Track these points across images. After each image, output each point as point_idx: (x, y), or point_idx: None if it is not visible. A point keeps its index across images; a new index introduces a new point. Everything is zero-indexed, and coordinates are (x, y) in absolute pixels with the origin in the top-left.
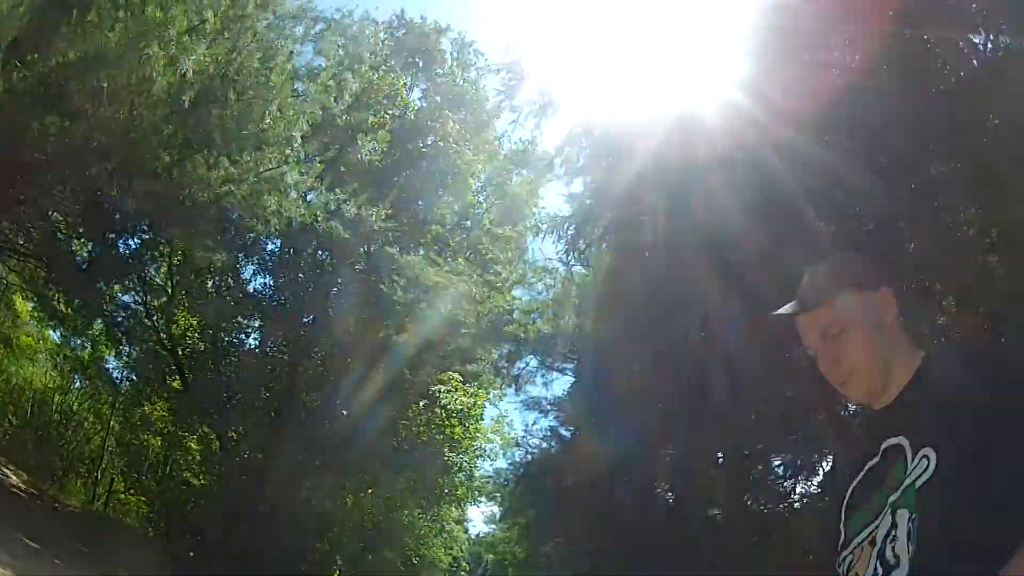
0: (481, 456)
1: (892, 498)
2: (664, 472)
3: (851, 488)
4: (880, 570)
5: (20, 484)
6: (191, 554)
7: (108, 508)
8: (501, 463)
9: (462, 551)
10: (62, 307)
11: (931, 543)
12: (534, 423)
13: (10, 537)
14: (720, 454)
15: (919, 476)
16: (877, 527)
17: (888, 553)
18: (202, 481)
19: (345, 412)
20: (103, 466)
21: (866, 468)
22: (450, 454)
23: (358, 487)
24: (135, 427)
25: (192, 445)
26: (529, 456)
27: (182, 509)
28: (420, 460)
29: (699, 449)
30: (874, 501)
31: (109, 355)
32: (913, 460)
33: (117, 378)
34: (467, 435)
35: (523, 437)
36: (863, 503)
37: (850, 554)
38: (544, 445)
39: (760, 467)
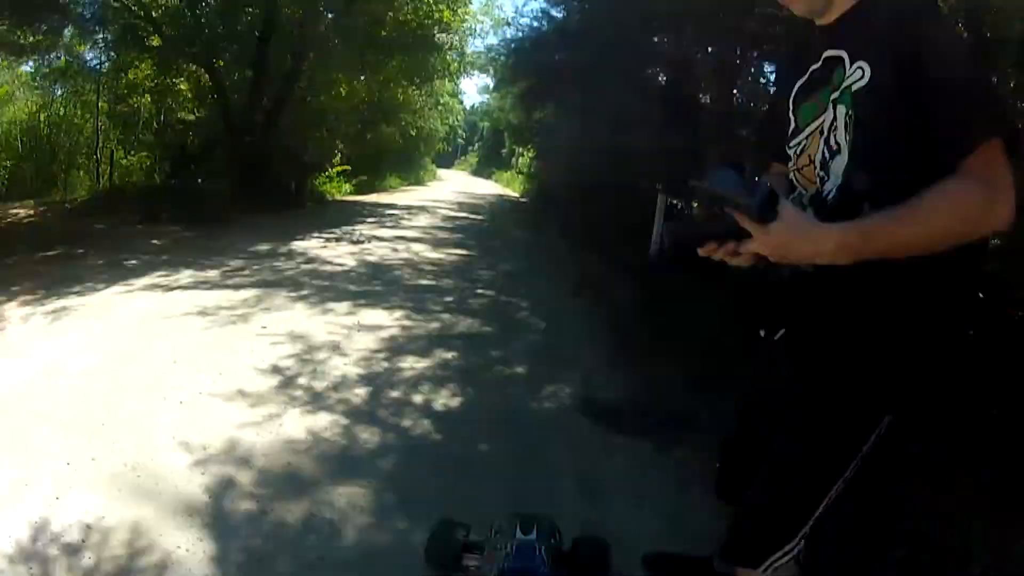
0: (472, 35)
1: (833, 96)
2: (656, 56)
3: (797, 87)
4: (827, 154)
5: (31, 212)
6: (199, 181)
7: (113, 180)
8: (492, 40)
9: (458, 120)
10: (29, 39)
11: (866, 136)
12: (524, 4)
13: (32, 271)
14: (710, 47)
15: (855, 82)
16: (823, 120)
17: (832, 140)
18: (198, 114)
19: (331, 15)
20: (100, 145)
21: (810, 72)
22: (440, 34)
23: (351, 76)
24: (123, 96)
25: (182, 87)
26: (520, 33)
27: (183, 146)
28: (411, 44)
29: (693, 39)
30: (819, 98)
31: (84, 50)
32: (850, 68)
33: (96, 65)
34: (456, 18)
35: (513, 18)
36: (809, 99)
37: (805, 139)
38: (535, 24)
39: (752, 69)
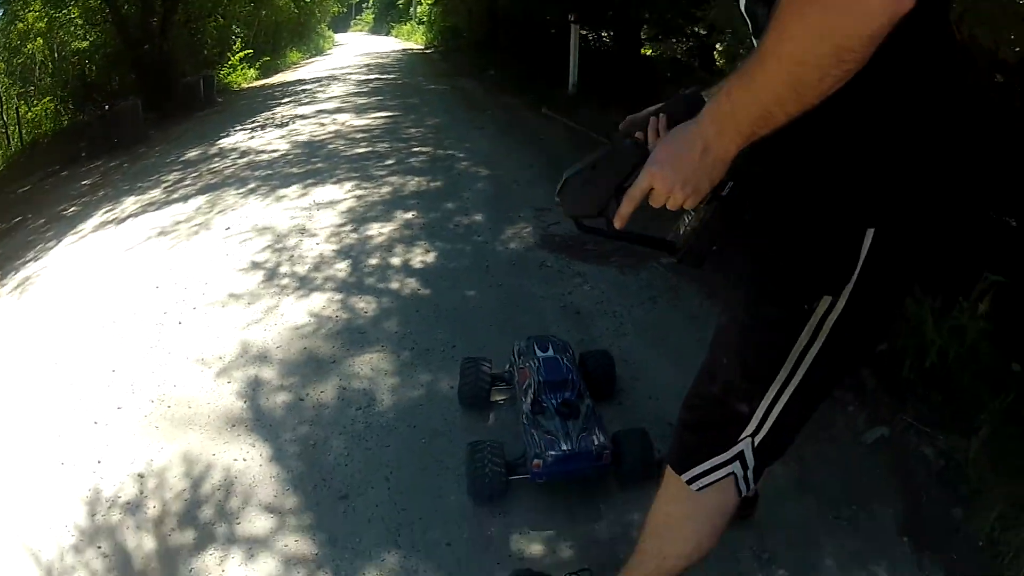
0: None
1: None
2: None
3: None
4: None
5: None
6: (107, 107)
7: (23, 138)
8: None
9: None
10: None
11: None
12: None
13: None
14: None
15: None
16: None
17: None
18: (91, 38)
19: None
20: (3, 108)
21: None
22: None
23: None
24: (17, 48)
25: (75, 13)
26: None
27: (82, 76)
28: None
29: None
30: None
31: None
32: None
33: None
34: None
35: None
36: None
37: None
38: None
39: None
